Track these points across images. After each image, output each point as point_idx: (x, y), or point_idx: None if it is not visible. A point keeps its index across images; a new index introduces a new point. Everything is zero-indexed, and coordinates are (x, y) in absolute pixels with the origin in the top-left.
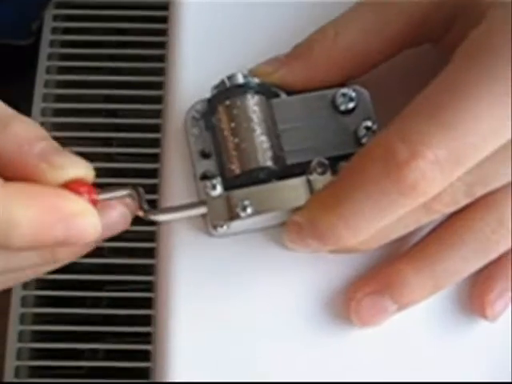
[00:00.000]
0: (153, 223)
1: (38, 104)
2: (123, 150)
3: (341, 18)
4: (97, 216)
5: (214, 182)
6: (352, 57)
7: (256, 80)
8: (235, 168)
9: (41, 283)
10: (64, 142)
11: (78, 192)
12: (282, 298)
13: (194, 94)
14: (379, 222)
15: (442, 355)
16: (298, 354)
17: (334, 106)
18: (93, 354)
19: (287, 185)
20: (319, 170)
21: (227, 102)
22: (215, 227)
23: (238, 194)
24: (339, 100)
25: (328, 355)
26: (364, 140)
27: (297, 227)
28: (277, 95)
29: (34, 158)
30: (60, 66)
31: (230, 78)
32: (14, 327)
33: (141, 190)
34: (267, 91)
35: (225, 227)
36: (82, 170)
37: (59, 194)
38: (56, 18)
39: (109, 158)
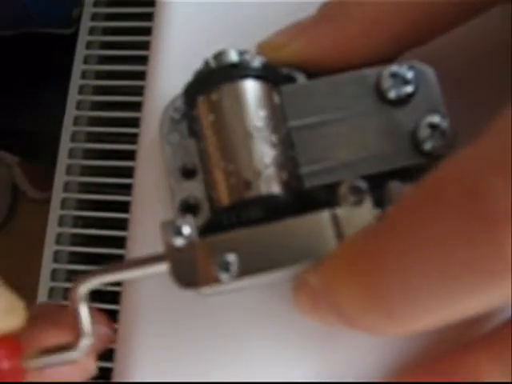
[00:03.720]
0: None
1: (73, 96)
2: None
3: None
4: None
5: (179, 223)
6: (407, 17)
7: (259, 59)
8: (222, 197)
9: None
10: (100, 138)
11: None
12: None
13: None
14: (444, 311)
15: None
16: None
17: (380, 92)
18: None
19: (300, 224)
20: (352, 198)
21: (211, 92)
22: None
23: (218, 241)
24: (387, 83)
25: None
26: (428, 146)
27: (309, 292)
28: (290, 79)
29: None
30: (100, 55)
31: (217, 56)
32: None
33: None
34: (275, 75)
35: (209, 288)
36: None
37: None
38: (97, 3)
39: None
